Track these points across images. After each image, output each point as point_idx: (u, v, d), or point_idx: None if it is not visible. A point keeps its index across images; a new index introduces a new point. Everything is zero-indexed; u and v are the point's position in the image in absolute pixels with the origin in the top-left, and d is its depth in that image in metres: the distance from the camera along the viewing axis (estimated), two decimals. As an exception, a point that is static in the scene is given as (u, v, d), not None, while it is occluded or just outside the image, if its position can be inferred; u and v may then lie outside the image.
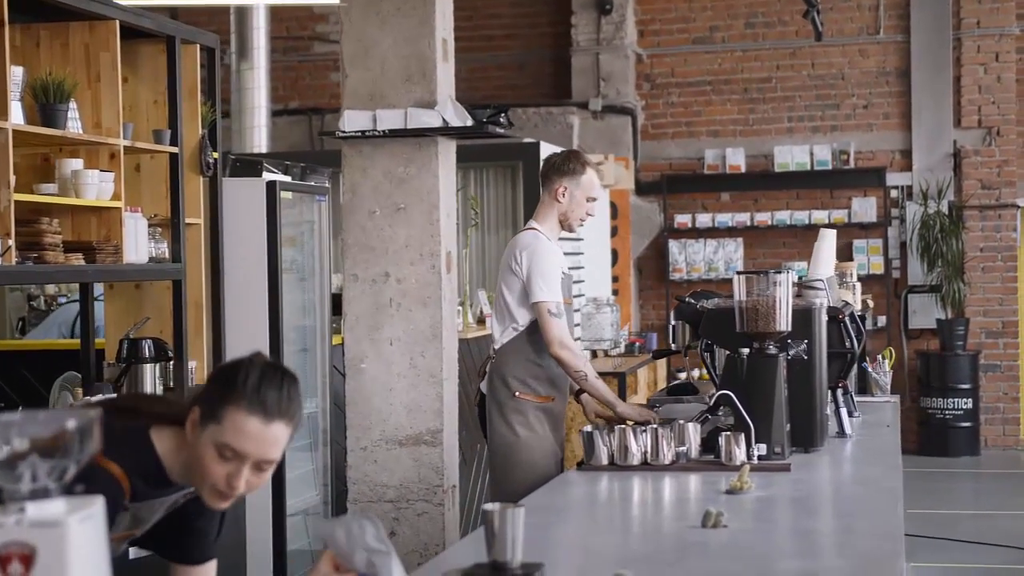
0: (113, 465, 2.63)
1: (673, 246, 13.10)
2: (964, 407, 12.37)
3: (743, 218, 12.98)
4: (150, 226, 5.59)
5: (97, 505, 1.79)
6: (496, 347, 5.39)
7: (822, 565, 3.07)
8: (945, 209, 12.53)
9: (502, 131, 6.08)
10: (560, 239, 5.49)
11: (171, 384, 5.68)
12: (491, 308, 8.74)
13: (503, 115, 6.07)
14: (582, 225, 5.52)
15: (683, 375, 12.19)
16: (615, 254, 12.58)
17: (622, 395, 9.15)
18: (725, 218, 13.02)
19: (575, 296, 10.19)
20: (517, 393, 5.29)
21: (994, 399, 12.73)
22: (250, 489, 2.63)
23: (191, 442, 2.65)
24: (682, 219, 13.10)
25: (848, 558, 3.10)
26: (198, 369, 5.96)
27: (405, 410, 5.72)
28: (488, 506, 2.75)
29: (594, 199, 5.43)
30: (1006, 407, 12.77)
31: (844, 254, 12.45)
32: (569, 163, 5.41)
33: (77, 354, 5.94)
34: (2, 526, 1.71)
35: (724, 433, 4.28)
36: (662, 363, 11.39)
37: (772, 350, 4.45)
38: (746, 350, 4.44)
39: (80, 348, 5.82)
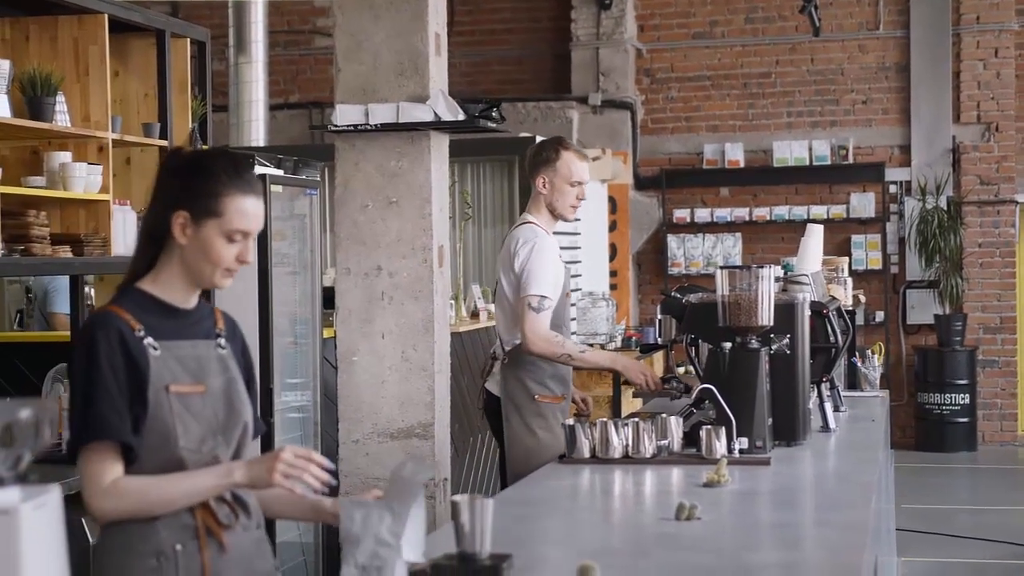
0: (111, 305, 2.86)
1: (672, 241, 13.11)
2: (961, 402, 12.38)
3: (742, 213, 12.99)
4: (139, 218, 5.61)
5: (52, 494, 1.81)
6: (507, 348, 5.30)
7: (791, 557, 3.08)
8: (944, 205, 12.53)
9: (494, 125, 6.08)
10: (556, 232, 5.49)
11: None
12: (485, 302, 8.77)
13: (495, 109, 6.07)
14: (575, 210, 5.42)
15: (681, 369, 12.20)
16: (614, 248, 12.60)
17: (616, 389, 9.14)
18: (724, 213, 13.03)
19: (572, 290, 10.25)
20: (537, 396, 5.24)
21: (991, 395, 12.74)
22: (249, 261, 2.91)
23: (187, 242, 2.85)
24: (681, 214, 13.12)
25: (816, 550, 3.12)
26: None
27: (397, 403, 5.73)
28: (456, 498, 2.77)
29: (578, 183, 5.33)
30: (1003, 403, 12.78)
31: (842, 249, 12.46)
32: (542, 152, 5.37)
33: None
34: (-45, 514, 1.73)
35: (705, 427, 4.29)
36: (660, 357, 11.40)
37: (754, 344, 4.46)
38: (728, 344, 4.45)
39: (70, 340, 5.83)
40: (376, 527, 2.62)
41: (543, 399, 5.25)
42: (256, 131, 10.42)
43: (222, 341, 2.97)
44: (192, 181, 2.86)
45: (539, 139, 10.13)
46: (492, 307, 8.56)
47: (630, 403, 9.47)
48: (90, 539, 4.47)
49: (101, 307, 2.88)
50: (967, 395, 12.40)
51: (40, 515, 1.77)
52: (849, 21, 13.01)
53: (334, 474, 4.46)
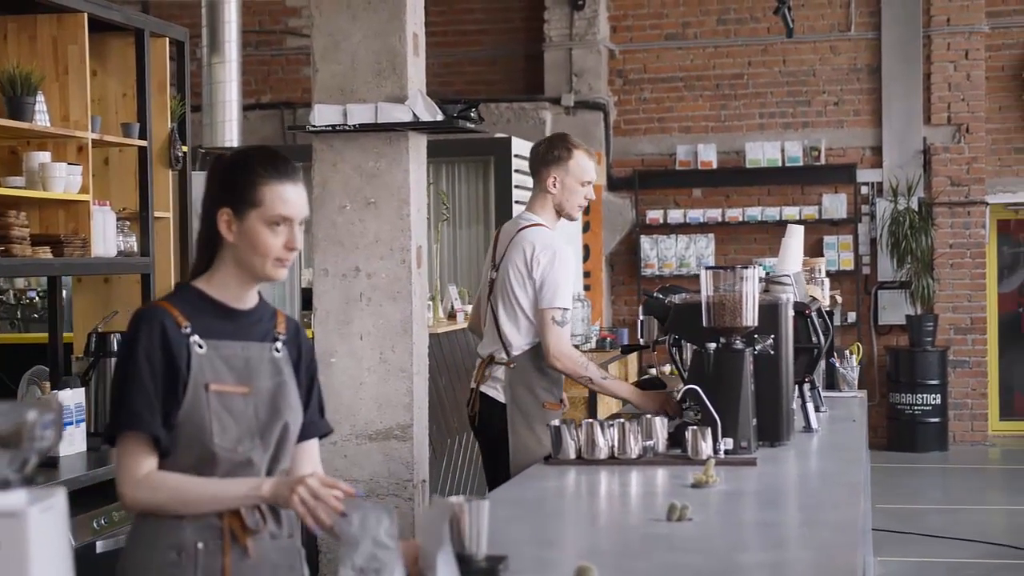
0: (162, 301, 2.93)
1: (645, 242, 13.13)
2: (933, 403, 12.45)
3: (715, 214, 13.02)
4: (119, 220, 5.56)
5: (58, 496, 1.79)
6: (514, 352, 5.10)
7: (783, 557, 3.09)
8: (915, 206, 12.60)
9: (472, 126, 6.08)
10: None
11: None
12: (462, 303, 8.75)
13: (473, 110, 6.07)
14: (581, 210, 5.28)
15: (653, 370, 12.24)
16: (587, 250, 12.61)
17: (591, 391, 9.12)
18: (697, 214, 13.06)
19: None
20: (546, 404, 5.10)
21: (962, 395, 12.81)
22: (298, 248, 2.92)
23: (234, 238, 2.90)
24: (654, 215, 13.14)
25: (808, 550, 3.13)
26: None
27: (375, 405, 5.72)
28: (453, 499, 2.76)
29: (588, 182, 5.17)
30: (974, 403, 12.85)
31: (814, 250, 12.50)
32: (553, 150, 5.16)
33: (45, 348, 5.91)
34: (-38, 517, 1.72)
35: (691, 428, 4.29)
36: (633, 358, 11.43)
37: (739, 345, 4.46)
38: (713, 345, 4.45)
39: (48, 342, 5.77)
40: (374, 529, 2.61)
41: (551, 406, 5.10)
42: (230, 131, 10.34)
43: (279, 345, 2.98)
44: (230, 178, 2.93)
45: (515, 140, 10.18)
46: (468, 308, 8.55)
47: (606, 404, 9.49)
48: (72, 543, 4.43)
49: (151, 301, 2.96)
50: (938, 395, 12.47)
51: (47, 518, 1.76)
52: (821, 23, 13.06)
53: None
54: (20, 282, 9.01)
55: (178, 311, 2.87)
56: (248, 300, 2.97)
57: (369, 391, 5.72)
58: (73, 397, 5.00)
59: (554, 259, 5.03)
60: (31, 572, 1.72)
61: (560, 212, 5.22)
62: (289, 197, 2.89)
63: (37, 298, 9.03)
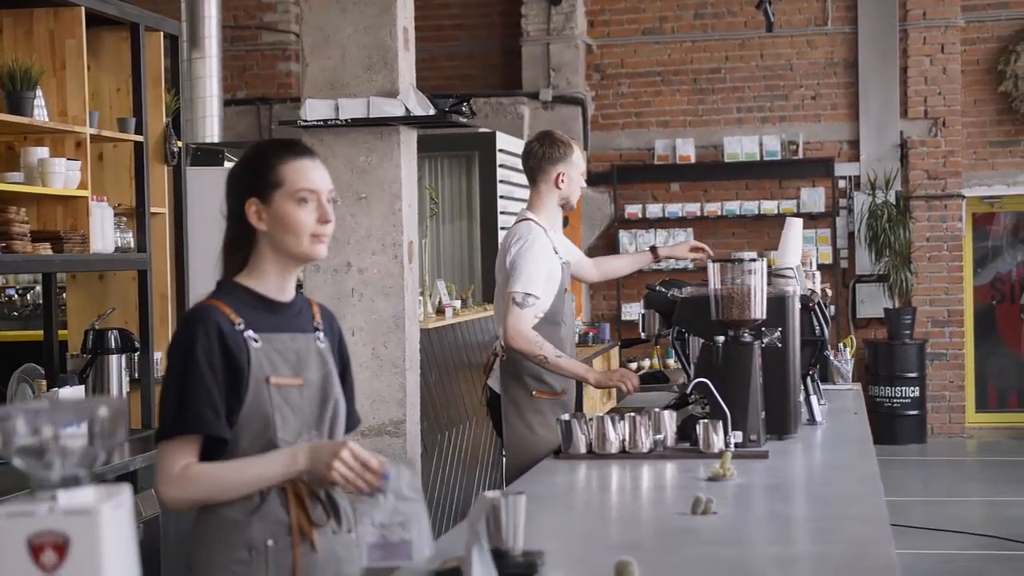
0: (210, 299, 2.90)
1: (624, 236, 13.13)
2: (911, 395, 12.50)
3: (693, 208, 13.04)
4: (115, 215, 5.51)
5: (125, 494, 1.77)
6: (504, 345, 5.21)
7: (817, 550, 3.09)
8: (892, 199, 12.64)
9: (465, 120, 6.06)
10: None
11: (137, 375, 5.62)
12: (450, 298, 8.73)
13: (465, 104, 6.05)
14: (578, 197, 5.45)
15: (634, 365, 12.24)
16: (566, 244, 12.59)
17: (579, 387, 9.11)
18: (675, 208, 13.08)
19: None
20: (535, 392, 5.18)
21: (940, 387, 12.88)
22: (331, 221, 2.89)
23: (266, 226, 2.88)
24: (632, 209, 13.14)
25: (843, 543, 3.11)
26: (163, 360, 5.89)
27: (368, 401, 5.70)
28: (490, 494, 2.74)
29: (583, 171, 5.39)
30: (952, 395, 12.92)
31: (793, 244, 12.52)
32: (558, 148, 5.30)
33: (36, 345, 5.85)
34: (34, 515, 1.69)
35: (702, 421, 4.29)
36: (614, 353, 11.44)
37: (747, 338, 4.46)
38: (721, 338, 4.45)
39: (43, 339, 5.70)
40: (396, 484, 2.62)
41: (541, 395, 5.17)
42: (211, 127, 10.28)
43: (321, 335, 2.97)
44: (248, 170, 2.93)
45: (499, 135, 10.15)
46: (457, 303, 8.54)
47: (591, 399, 9.47)
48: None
49: (200, 301, 2.91)
50: (917, 388, 12.53)
51: (117, 515, 1.74)
52: (797, 17, 13.10)
53: None
54: (-1, 280, 8.92)
55: (229, 307, 2.85)
56: (288, 292, 2.96)
57: (362, 387, 5.64)
58: (72, 395, 4.95)
59: (523, 246, 5.13)
60: (104, 568, 1.69)
61: (565, 205, 5.37)
62: (309, 172, 2.89)
63: (16, 296, 8.95)
